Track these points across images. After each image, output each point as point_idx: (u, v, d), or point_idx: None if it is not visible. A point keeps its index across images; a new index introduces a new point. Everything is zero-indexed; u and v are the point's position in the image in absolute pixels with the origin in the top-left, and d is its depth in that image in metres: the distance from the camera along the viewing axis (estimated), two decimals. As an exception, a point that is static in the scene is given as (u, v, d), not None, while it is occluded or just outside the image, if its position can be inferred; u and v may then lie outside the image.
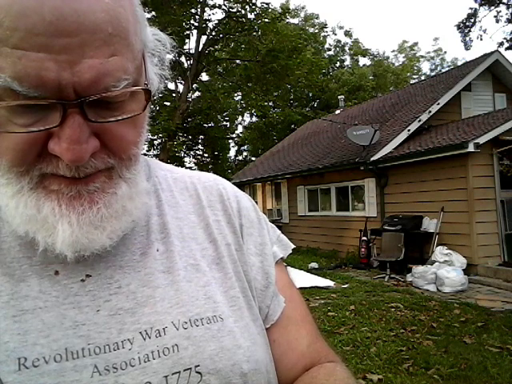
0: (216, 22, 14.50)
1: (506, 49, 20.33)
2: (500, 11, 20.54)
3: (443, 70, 25.30)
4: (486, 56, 10.48)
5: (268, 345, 0.57)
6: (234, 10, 13.88)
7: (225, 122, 23.98)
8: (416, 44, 39.71)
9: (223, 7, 13.82)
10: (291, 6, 27.19)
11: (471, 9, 20.25)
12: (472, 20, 20.30)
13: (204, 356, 0.47)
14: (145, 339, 0.46)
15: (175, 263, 0.53)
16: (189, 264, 0.54)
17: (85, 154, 0.41)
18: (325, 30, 30.26)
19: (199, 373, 0.47)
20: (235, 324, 0.52)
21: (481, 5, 19.65)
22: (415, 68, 34.45)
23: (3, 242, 0.48)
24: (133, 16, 0.43)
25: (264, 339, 0.56)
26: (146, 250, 0.52)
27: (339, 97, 18.18)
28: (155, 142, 20.14)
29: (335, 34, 41.18)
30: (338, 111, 17.24)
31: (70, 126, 0.40)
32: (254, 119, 28.54)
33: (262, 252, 0.62)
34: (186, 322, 0.49)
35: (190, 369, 0.46)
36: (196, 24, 14.16)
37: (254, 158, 24.81)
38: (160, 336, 0.47)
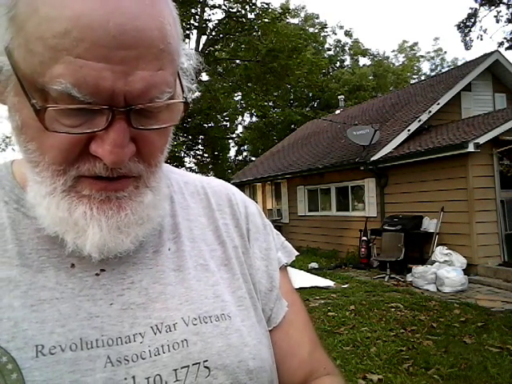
0: (216, 22, 14.51)
1: (506, 49, 20.32)
2: (500, 11, 20.54)
3: (443, 70, 25.33)
4: (486, 56, 10.48)
5: (271, 346, 0.59)
6: (234, 10, 13.88)
7: (225, 122, 23.99)
8: (416, 44, 39.70)
9: (223, 7, 13.83)
10: (291, 6, 27.18)
11: (471, 9, 20.25)
12: (472, 20, 20.29)
13: (212, 352, 0.49)
14: (155, 334, 0.48)
15: (185, 262, 0.55)
16: (198, 264, 0.56)
17: (125, 158, 0.44)
18: (325, 30, 30.27)
19: (207, 368, 0.49)
20: (242, 323, 0.54)
21: (481, 5, 19.65)
22: (415, 68, 34.45)
23: (22, 234, 0.50)
24: (176, 33, 0.47)
25: (268, 340, 0.58)
26: (158, 249, 0.54)
27: (339, 97, 18.18)
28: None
29: (335, 34, 41.18)
30: (338, 111, 17.24)
31: (115, 130, 0.43)
32: (254, 119, 28.56)
33: (268, 257, 0.64)
34: (195, 319, 0.51)
35: (199, 363, 0.48)
36: (196, 24, 14.16)
37: (253, 158, 24.80)
38: (170, 331, 0.49)
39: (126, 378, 0.45)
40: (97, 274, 0.49)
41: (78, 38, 0.39)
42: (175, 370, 0.47)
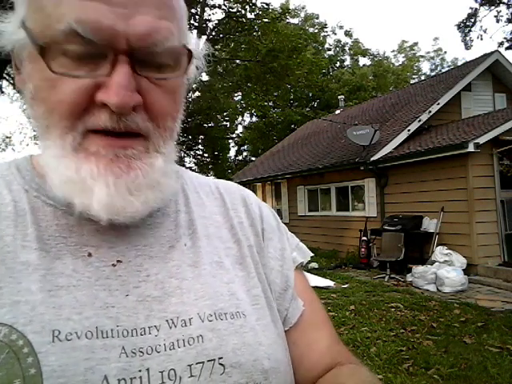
0: (216, 22, 14.51)
1: (506, 48, 20.32)
2: (500, 11, 20.48)
3: (443, 70, 25.32)
4: (486, 56, 10.48)
5: (287, 347, 0.58)
6: (234, 10, 13.88)
7: (225, 122, 23.98)
8: (416, 44, 39.67)
9: (223, 7, 13.83)
10: (291, 6, 27.18)
11: (471, 8, 20.24)
12: (472, 20, 20.29)
13: (227, 349, 0.49)
14: (171, 327, 0.48)
15: (201, 258, 0.55)
16: (213, 261, 0.56)
17: (130, 100, 0.44)
18: (325, 30, 30.28)
19: (222, 365, 0.48)
20: (257, 322, 0.53)
21: (481, 4, 19.64)
22: (415, 68, 34.45)
23: (42, 220, 0.50)
24: (178, 2, 0.50)
25: (283, 341, 0.57)
26: (174, 244, 0.54)
27: (339, 97, 18.17)
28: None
29: (335, 34, 41.19)
30: (338, 111, 17.24)
31: (118, 73, 0.43)
32: (254, 119, 28.54)
33: (282, 256, 0.64)
34: (210, 315, 0.50)
35: (214, 360, 0.47)
36: (196, 24, 14.15)
37: (253, 158, 24.79)
38: (186, 326, 0.48)
39: (140, 370, 0.44)
40: (113, 265, 0.49)
41: None
42: (190, 365, 0.46)
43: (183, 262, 0.53)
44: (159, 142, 0.49)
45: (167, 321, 0.48)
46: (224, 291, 0.53)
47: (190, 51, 0.49)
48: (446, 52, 52.72)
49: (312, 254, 0.71)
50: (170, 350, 0.46)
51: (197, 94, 19.92)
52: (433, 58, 36.45)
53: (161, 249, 0.53)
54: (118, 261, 0.50)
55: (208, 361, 0.47)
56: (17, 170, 0.54)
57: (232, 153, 29.63)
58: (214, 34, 14.75)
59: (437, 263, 7.01)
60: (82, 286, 0.47)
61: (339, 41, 32.32)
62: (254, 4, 13.50)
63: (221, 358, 0.48)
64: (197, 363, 0.47)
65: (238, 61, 16.55)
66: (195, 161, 22.21)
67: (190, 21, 14.04)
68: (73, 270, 0.47)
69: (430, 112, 9.62)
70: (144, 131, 0.47)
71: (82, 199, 0.46)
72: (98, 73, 0.44)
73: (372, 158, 9.06)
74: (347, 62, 32.12)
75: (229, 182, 0.71)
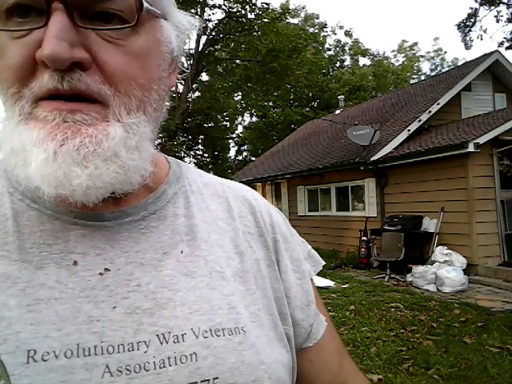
0: (216, 21, 14.51)
1: (506, 48, 20.32)
2: (500, 11, 20.52)
3: (443, 70, 25.32)
4: (486, 56, 10.48)
5: (291, 367, 0.54)
6: (234, 10, 13.88)
7: (225, 122, 23.98)
8: (416, 44, 39.69)
9: (223, 7, 13.83)
10: (291, 6, 27.19)
11: (471, 8, 20.24)
12: (472, 20, 20.29)
13: (224, 368, 0.44)
14: (162, 343, 0.43)
15: (199, 268, 0.50)
16: (214, 270, 0.51)
17: (64, 52, 0.38)
18: (325, 30, 30.29)
19: None
20: (257, 339, 0.49)
21: (481, 4, 19.64)
22: (415, 68, 34.46)
23: (25, 227, 0.46)
24: None
25: (287, 360, 0.53)
26: (169, 251, 0.49)
27: (339, 97, 18.17)
28: (155, 142, 20.12)
29: (335, 34, 41.26)
30: (338, 111, 17.23)
31: (52, 22, 0.38)
32: (254, 119, 28.54)
33: (300, 269, 0.60)
34: (206, 331, 0.46)
35: (208, 381, 0.43)
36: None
37: (253, 158, 24.79)
38: (178, 342, 0.44)
39: None
40: (100, 274, 0.45)
41: None
42: None
43: (178, 272, 0.48)
44: (121, 111, 0.43)
45: (158, 336, 0.44)
46: (223, 304, 0.48)
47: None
48: (446, 52, 52.78)
49: (324, 263, 0.67)
50: (160, 368, 0.42)
51: (197, 93, 19.92)
52: (433, 58, 36.48)
53: (154, 255, 0.48)
54: (105, 269, 0.45)
55: (202, 381, 0.43)
56: (3, 171, 0.50)
57: (232, 153, 29.65)
58: (214, 33, 14.74)
59: (437, 263, 7.01)
60: (65, 299, 0.43)
61: (339, 41, 32.34)
62: (254, 4, 13.51)
63: (216, 378, 0.44)
64: None
65: (237, 61, 16.55)
66: (195, 161, 22.21)
67: (189, 21, 14.06)
68: (56, 280, 0.43)
69: (429, 112, 9.61)
70: (99, 95, 0.41)
71: (22, 169, 0.41)
72: (34, 27, 0.39)
73: (372, 158, 9.06)
74: (347, 62, 32.15)
75: (236, 183, 0.65)
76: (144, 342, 0.43)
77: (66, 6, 0.39)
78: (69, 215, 0.47)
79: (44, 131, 0.40)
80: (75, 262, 0.45)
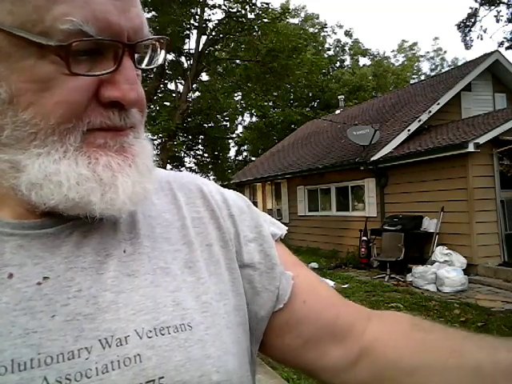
0: (216, 22, 14.49)
1: (507, 48, 20.32)
2: (500, 11, 20.53)
3: (443, 70, 25.33)
4: (486, 56, 10.48)
5: (245, 353, 0.53)
6: (234, 10, 13.87)
7: (225, 122, 23.96)
8: (416, 44, 39.66)
9: (223, 7, 13.81)
10: (291, 6, 27.20)
11: (471, 8, 20.23)
12: (472, 20, 20.28)
13: (169, 367, 0.43)
14: (104, 348, 0.42)
15: (142, 266, 0.49)
16: (158, 267, 0.49)
17: (142, 95, 0.44)
18: (325, 30, 30.29)
19: None
20: (206, 331, 0.48)
21: (481, 4, 19.64)
22: (415, 68, 34.46)
23: None
24: None
25: (240, 347, 0.52)
26: (111, 251, 0.48)
27: (339, 97, 18.19)
28: (155, 142, 20.13)
29: (335, 33, 41.25)
30: (338, 111, 17.25)
31: (127, 67, 0.42)
32: (254, 119, 28.55)
33: (260, 234, 0.59)
34: (150, 331, 0.45)
35: (153, 381, 0.42)
36: (196, 24, 14.14)
37: (254, 158, 24.80)
38: (121, 345, 0.43)
39: None
40: (38, 283, 0.43)
41: None
42: None
43: (120, 272, 0.47)
44: (141, 129, 0.49)
45: (100, 341, 0.42)
46: (168, 302, 0.47)
47: (166, 39, 0.49)
48: (445, 52, 52.83)
49: (286, 228, 0.67)
50: (103, 373, 0.41)
51: (197, 93, 19.91)
52: (433, 57, 36.50)
53: (96, 258, 0.46)
54: (44, 277, 0.43)
55: (147, 382, 0.42)
56: None
57: (232, 153, 29.62)
58: (214, 33, 14.74)
59: (437, 263, 7.01)
60: None
61: (339, 41, 32.36)
62: (254, 4, 13.49)
63: (162, 377, 0.43)
64: None
65: (237, 61, 16.54)
66: (195, 161, 22.19)
67: (189, 21, 14.07)
68: None
69: (430, 112, 9.62)
70: (135, 123, 0.47)
71: (103, 194, 0.43)
72: (103, 68, 0.42)
73: (372, 158, 9.06)
74: (347, 62, 32.15)
75: (184, 173, 0.65)
76: (85, 348, 0.42)
77: (133, 52, 0.43)
78: (4, 227, 0.45)
79: (113, 157, 0.44)
80: (10, 275, 0.43)
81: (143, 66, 0.48)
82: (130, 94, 0.42)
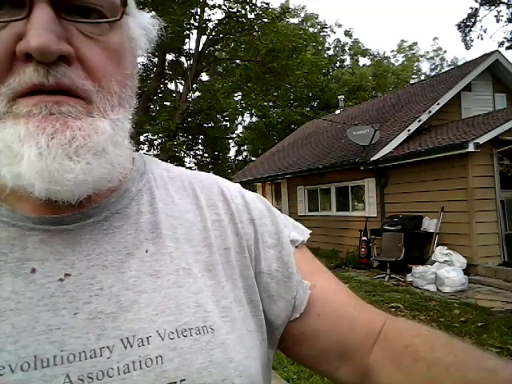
0: (216, 22, 14.49)
1: (507, 48, 20.32)
2: (500, 11, 20.56)
3: (443, 70, 25.33)
4: (486, 56, 10.48)
5: (265, 359, 0.53)
6: (234, 10, 13.87)
7: (225, 122, 23.96)
8: (415, 44, 39.65)
9: (223, 7, 13.81)
10: (291, 6, 27.18)
11: (471, 8, 20.24)
12: (472, 20, 20.29)
13: (191, 369, 0.43)
14: (126, 348, 0.42)
15: (165, 267, 0.48)
16: (181, 267, 0.49)
17: (53, 44, 0.37)
18: (324, 29, 30.29)
19: None
20: (227, 336, 0.47)
21: (481, 4, 19.64)
22: (415, 68, 34.47)
23: None
24: None
25: (260, 353, 0.52)
26: (133, 251, 0.47)
27: (339, 97, 18.17)
28: (155, 142, 20.14)
29: (334, 33, 41.28)
30: (338, 111, 17.24)
31: (37, 14, 0.37)
32: (254, 119, 28.55)
33: (279, 241, 0.58)
34: (172, 332, 0.44)
35: (175, 383, 0.42)
36: (196, 24, 14.15)
37: (254, 158, 24.80)
38: (143, 345, 0.42)
39: None
40: (60, 280, 0.43)
41: None
42: None
43: (142, 272, 0.46)
44: (106, 107, 0.42)
45: (122, 340, 0.42)
46: (190, 303, 0.47)
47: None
48: (445, 51, 52.82)
49: (310, 231, 0.65)
50: (125, 373, 0.40)
51: (197, 94, 19.92)
52: (432, 57, 36.49)
53: (117, 257, 0.46)
54: (66, 274, 0.43)
55: None
56: None
57: (232, 153, 29.64)
58: (214, 33, 14.74)
59: (437, 263, 7.01)
60: (22, 309, 0.40)
61: (339, 41, 32.37)
62: (254, 4, 13.50)
63: (183, 380, 0.42)
64: None
65: (237, 61, 16.55)
66: (195, 161, 22.20)
67: (189, 21, 14.07)
68: (12, 291, 0.41)
69: (430, 112, 9.61)
70: (83, 91, 0.40)
71: (9, 168, 0.39)
72: (14, 19, 0.37)
73: (372, 158, 9.06)
74: (347, 62, 32.15)
75: (205, 173, 0.63)
76: (107, 347, 0.41)
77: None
78: (25, 221, 0.44)
79: (32, 125, 0.38)
80: (33, 270, 0.43)
81: (85, 20, 0.41)
82: (31, 41, 0.36)
